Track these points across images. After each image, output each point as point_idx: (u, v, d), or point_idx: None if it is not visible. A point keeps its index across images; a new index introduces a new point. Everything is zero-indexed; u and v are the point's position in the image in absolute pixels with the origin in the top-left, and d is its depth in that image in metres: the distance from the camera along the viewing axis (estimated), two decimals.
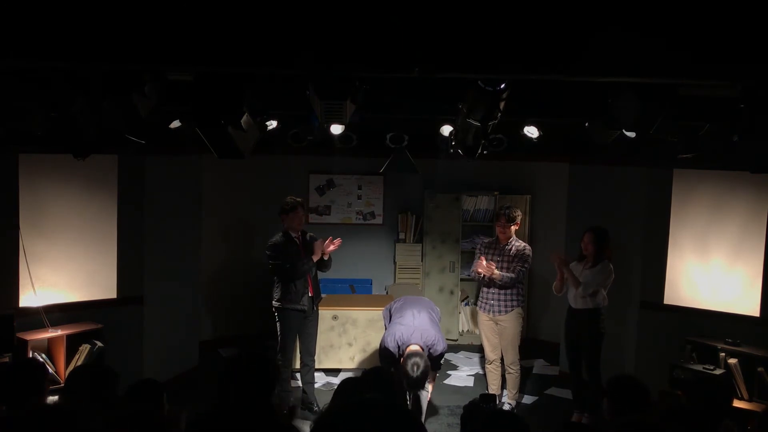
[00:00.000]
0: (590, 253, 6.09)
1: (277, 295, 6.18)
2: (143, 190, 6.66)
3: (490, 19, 3.02)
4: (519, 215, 6.46)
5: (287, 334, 6.22)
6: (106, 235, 6.46)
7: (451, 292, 8.51)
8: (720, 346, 5.98)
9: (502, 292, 6.33)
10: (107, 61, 3.21)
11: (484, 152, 5.20)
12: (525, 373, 7.43)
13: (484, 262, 6.26)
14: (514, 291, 6.36)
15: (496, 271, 6.23)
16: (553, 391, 7.22)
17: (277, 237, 6.20)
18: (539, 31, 3.05)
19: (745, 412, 5.57)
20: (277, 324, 6.25)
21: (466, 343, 8.56)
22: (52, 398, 5.48)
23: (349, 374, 7.00)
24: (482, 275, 6.29)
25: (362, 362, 7.31)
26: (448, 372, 7.64)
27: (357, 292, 8.48)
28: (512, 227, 6.36)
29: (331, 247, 6.15)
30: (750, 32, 3.00)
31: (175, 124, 5.28)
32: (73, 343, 5.92)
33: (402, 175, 8.03)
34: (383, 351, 5.71)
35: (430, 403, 6.18)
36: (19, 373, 3.60)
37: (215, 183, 7.95)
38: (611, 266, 6.05)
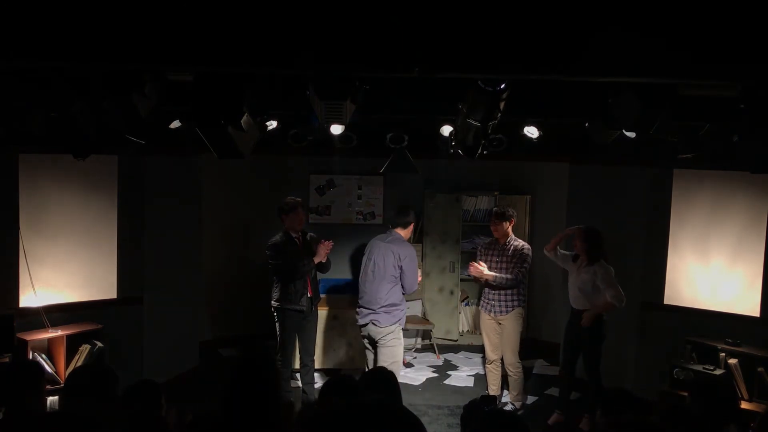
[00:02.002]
0: (582, 251, 6.09)
1: (276, 295, 6.18)
2: (143, 190, 6.66)
3: (490, 19, 3.02)
4: (511, 211, 6.45)
5: (286, 335, 6.23)
6: (106, 235, 6.46)
7: (451, 292, 8.50)
8: (720, 346, 5.98)
9: (503, 292, 6.34)
10: (107, 61, 3.21)
11: (484, 152, 5.20)
12: (525, 373, 7.41)
13: (475, 265, 6.28)
14: (515, 291, 6.35)
15: (487, 272, 6.22)
16: (553, 391, 7.21)
17: (278, 237, 6.20)
18: (539, 31, 3.05)
19: (745, 412, 5.57)
20: (276, 324, 6.25)
21: (466, 343, 8.56)
22: (52, 398, 5.50)
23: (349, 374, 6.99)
24: (477, 278, 6.34)
25: (362, 362, 7.30)
26: (448, 372, 7.65)
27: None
28: (504, 224, 6.35)
29: (324, 250, 6.16)
30: (750, 32, 3.00)
31: (175, 124, 5.28)
32: (73, 344, 5.92)
33: (402, 175, 8.02)
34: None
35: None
36: (15, 373, 3.60)
37: (215, 183, 7.94)
38: (609, 268, 6.00)
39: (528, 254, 6.34)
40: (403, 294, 5.92)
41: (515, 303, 6.35)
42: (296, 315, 6.19)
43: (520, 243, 6.42)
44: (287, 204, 6.20)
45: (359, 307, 6.04)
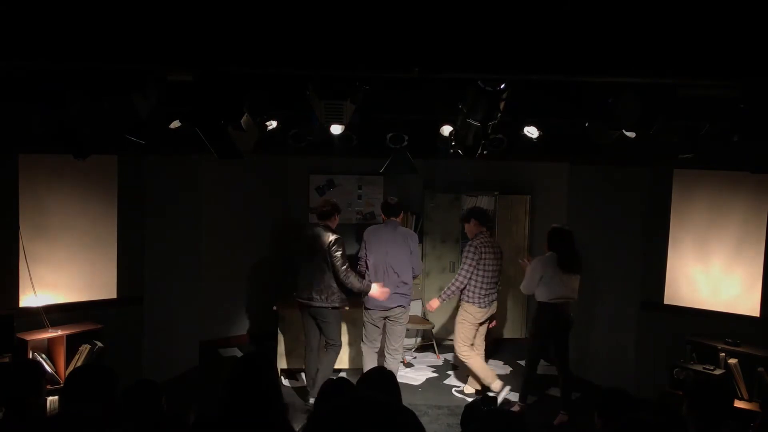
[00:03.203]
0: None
1: (342, 296, 6.38)
2: (143, 190, 6.66)
3: (490, 19, 3.02)
4: (466, 213, 6.84)
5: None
6: (106, 235, 6.46)
7: None
8: (720, 346, 5.98)
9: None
10: (107, 61, 3.21)
11: (484, 152, 5.20)
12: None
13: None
14: (462, 288, 6.66)
15: (435, 302, 6.85)
16: (553, 391, 7.21)
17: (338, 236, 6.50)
18: (539, 31, 3.05)
19: (745, 412, 5.57)
20: (333, 323, 6.42)
21: None
22: (52, 398, 5.50)
23: (347, 374, 7.00)
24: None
25: (362, 362, 7.30)
26: (448, 372, 7.64)
27: None
28: (466, 225, 6.73)
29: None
30: (750, 32, 3.00)
31: (175, 124, 5.27)
32: (73, 343, 5.92)
33: (402, 175, 8.03)
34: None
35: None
36: (15, 373, 3.60)
37: (215, 183, 7.94)
38: (536, 260, 6.38)
39: (467, 253, 6.59)
40: (414, 277, 6.68)
41: (463, 297, 6.68)
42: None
43: (468, 243, 6.68)
44: (337, 206, 6.52)
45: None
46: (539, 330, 6.37)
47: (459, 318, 6.72)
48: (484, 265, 6.54)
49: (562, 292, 6.23)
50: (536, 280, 6.27)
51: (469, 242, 6.66)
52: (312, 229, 6.44)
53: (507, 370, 7.77)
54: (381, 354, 6.70)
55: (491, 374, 6.72)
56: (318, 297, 6.27)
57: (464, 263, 6.57)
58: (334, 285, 6.26)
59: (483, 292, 6.58)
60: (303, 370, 6.64)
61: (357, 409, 1.40)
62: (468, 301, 6.62)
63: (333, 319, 6.39)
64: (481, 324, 6.74)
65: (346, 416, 1.39)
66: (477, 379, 6.82)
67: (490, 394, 6.62)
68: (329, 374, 6.48)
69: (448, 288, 6.66)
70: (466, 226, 6.72)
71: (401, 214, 6.68)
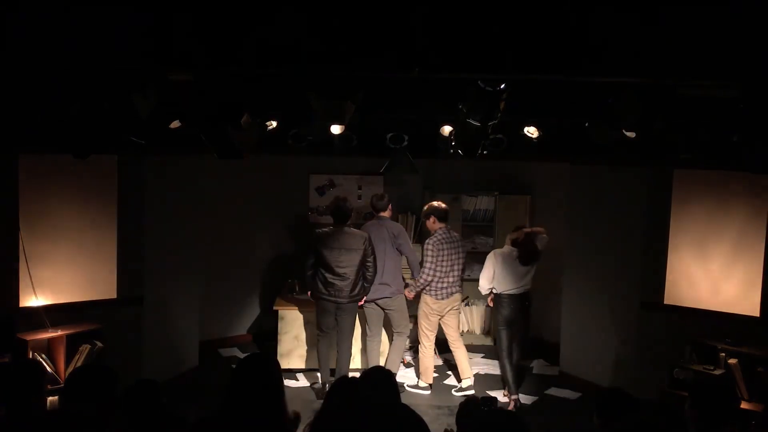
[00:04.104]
0: None
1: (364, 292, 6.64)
2: (143, 190, 6.66)
3: (490, 19, 3.03)
4: (427, 210, 6.87)
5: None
6: (106, 235, 6.46)
7: None
8: (720, 346, 5.98)
9: None
10: (107, 61, 3.21)
11: (484, 152, 5.21)
12: (525, 372, 7.43)
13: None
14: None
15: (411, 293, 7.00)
16: (553, 391, 7.22)
17: None
18: (539, 31, 3.05)
19: (745, 412, 5.57)
20: (354, 316, 6.65)
21: (466, 343, 8.49)
22: (52, 398, 5.50)
23: (349, 374, 7.01)
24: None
25: (362, 362, 7.31)
26: (448, 372, 7.64)
27: None
28: (426, 222, 6.89)
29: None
30: (750, 32, 3.00)
31: (175, 124, 5.28)
32: (73, 343, 5.91)
33: (402, 175, 8.04)
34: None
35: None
36: (17, 373, 3.60)
37: (215, 183, 7.94)
38: (489, 255, 6.70)
39: (425, 249, 6.72)
40: (423, 280, 6.78)
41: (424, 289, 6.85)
42: None
43: (427, 240, 6.82)
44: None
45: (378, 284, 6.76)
46: (500, 320, 6.68)
47: (419, 310, 6.98)
48: (441, 258, 6.69)
49: (518, 282, 6.56)
50: (491, 276, 6.60)
51: (428, 239, 6.80)
52: (339, 227, 6.52)
53: None
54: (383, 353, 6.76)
55: (429, 374, 7.02)
56: (349, 294, 6.46)
57: (425, 259, 6.73)
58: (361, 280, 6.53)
59: (440, 285, 6.75)
60: (302, 371, 6.64)
61: (365, 412, 1.40)
62: (425, 293, 6.82)
63: (354, 312, 6.63)
64: (443, 315, 6.90)
65: (353, 417, 1.39)
66: (461, 371, 7.06)
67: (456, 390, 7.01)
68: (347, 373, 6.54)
69: (416, 282, 6.83)
70: (426, 222, 6.89)
71: (389, 208, 6.90)
